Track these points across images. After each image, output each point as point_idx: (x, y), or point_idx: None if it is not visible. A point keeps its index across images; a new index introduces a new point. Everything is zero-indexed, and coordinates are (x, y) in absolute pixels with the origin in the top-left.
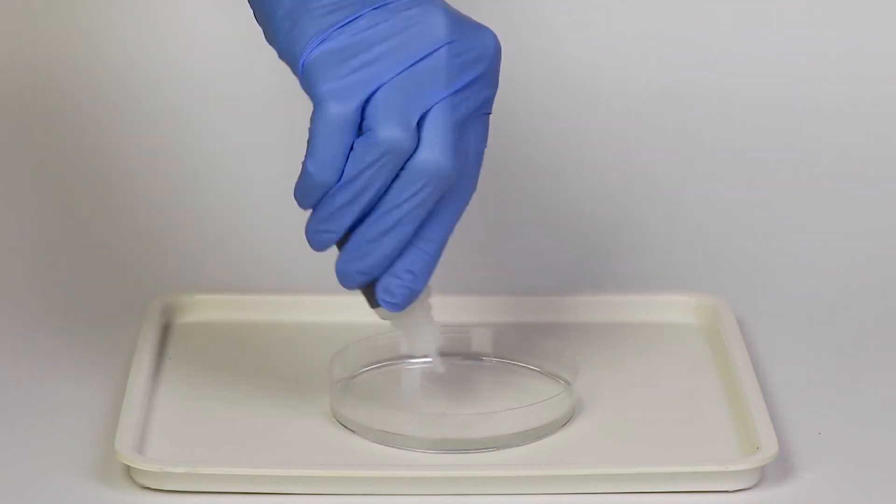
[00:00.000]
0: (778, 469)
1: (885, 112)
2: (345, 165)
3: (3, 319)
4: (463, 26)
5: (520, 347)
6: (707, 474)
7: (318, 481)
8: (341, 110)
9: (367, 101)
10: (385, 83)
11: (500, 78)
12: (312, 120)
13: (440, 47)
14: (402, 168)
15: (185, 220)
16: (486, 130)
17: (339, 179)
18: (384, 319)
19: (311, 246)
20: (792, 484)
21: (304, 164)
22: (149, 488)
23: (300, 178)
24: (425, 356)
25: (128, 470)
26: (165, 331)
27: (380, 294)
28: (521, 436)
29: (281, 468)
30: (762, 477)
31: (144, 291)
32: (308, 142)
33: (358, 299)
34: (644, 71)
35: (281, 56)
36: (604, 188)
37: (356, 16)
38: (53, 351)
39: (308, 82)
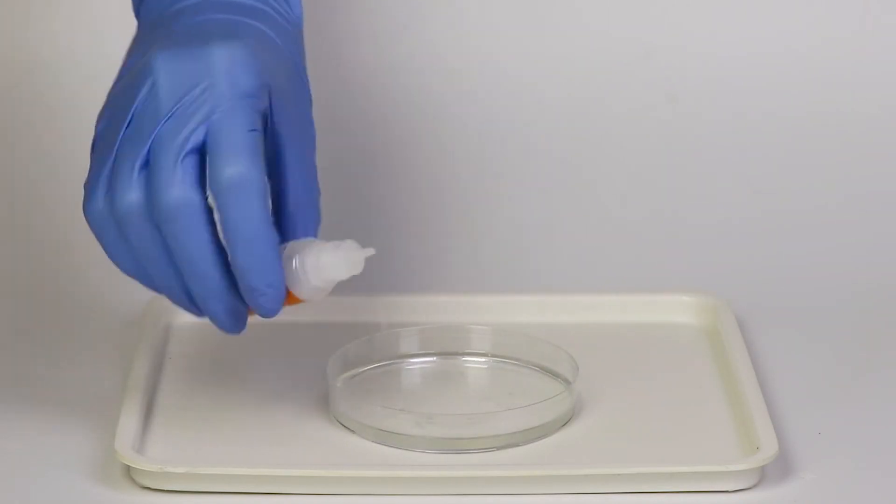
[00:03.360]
0: (778, 469)
1: (886, 112)
2: (126, 246)
3: (2, 319)
4: (180, 54)
5: (520, 347)
6: (707, 474)
7: (318, 481)
8: (91, 206)
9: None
10: (115, 151)
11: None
12: None
13: (149, 82)
14: None
15: None
16: (242, 121)
17: (131, 257)
18: (314, 299)
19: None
20: (792, 484)
21: None
22: (149, 488)
23: None
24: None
25: (128, 470)
26: (165, 331)
27: (260, 315)
28: (521, 436)
29: (281, 468)
30: (762, 477)
31: (144, 291)
32: None
33: (358, 300)
34: (644, 71)
35: None
36: (604, 188)
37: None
38: (54, 351)
39: None
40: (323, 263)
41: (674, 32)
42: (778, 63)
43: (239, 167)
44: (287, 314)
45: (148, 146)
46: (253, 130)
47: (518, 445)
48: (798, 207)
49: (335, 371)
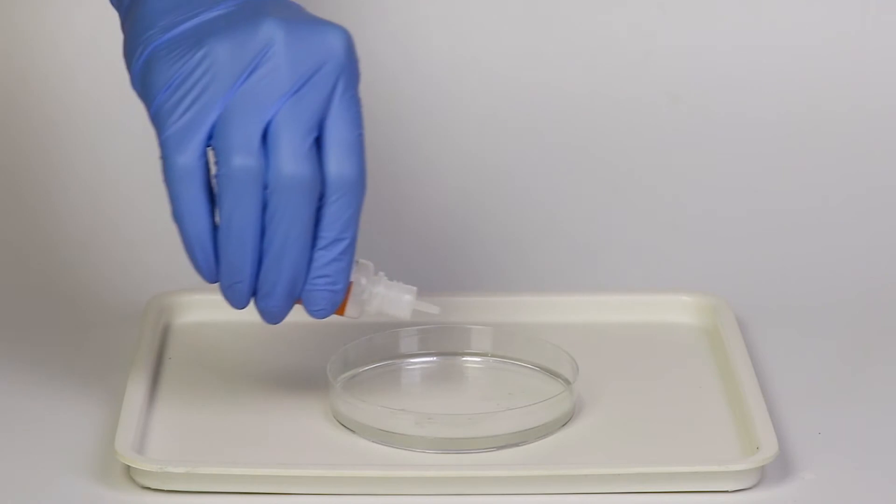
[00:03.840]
0: (778, 469)
1: (886, 112)
2: (209, 208)
3: (2, 320)
4: (300, 27)
5: (520, 347)
6: (707, 474)
7: (318, 481)
8: (182, 159)
9: (212, 133)
10: (223, 109)
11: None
12: (162, 171)
13: (271, 51)
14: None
15: None
16: (355, 119)
17: (208, 224)
18: (355, 318)
19: (232, 304)
20: (792, 484)
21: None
22: (149, 488)
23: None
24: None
25: (128, 470)
26: (165, 331)
27: (305, 306)
28: (521, 436)
29: (281, 468)
30: (762, 477)
31: (144, 292)
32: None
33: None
34: (645, 71)
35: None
36: (604, 188)
37: (195, 50)
38: (53, 351)
39: (156, 133)
40: (392, 299)
41: (674, 32)
42: (778, 63)
43: (354, 169)
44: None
45: (271, 116)
46: (361, 132)
47: (518, 445)
48: (798, 207)
49: (335, 371)
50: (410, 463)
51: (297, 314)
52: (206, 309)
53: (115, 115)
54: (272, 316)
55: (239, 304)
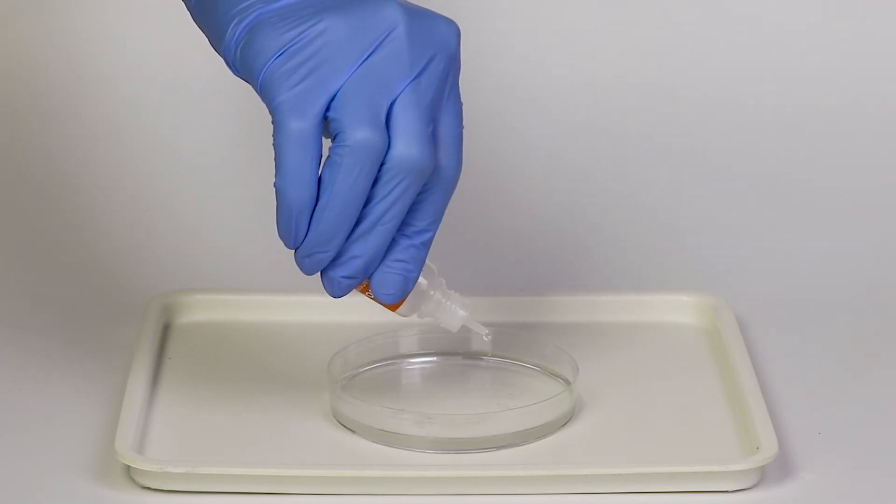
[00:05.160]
0: (778, 469)
1: (885, 113)
2: (317, 178)
3: (2, 320)
4: (418, 15)
5: (520, 347)
6: (707, 474)
7: (318, 481)
8: (300, 124)
9: (329, 104)
10: (344, 83)
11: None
12: (274, 135)
13: (394, 33)
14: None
15: (185, 220)
16: (459, 113)
17: (313, 193)
18: (406, 316)
19: (303, 271)
20: (792, 484)
21: (275, 184)
22: (149, 488)
23: (277, 202)
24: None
25: (128, 470)
26: (165, 331)
27: (374, 288)
28: (521, 436)
29: (281, 468)
30: (762, 477)
31: (144, 291)
32: (274, 159)
33: (358, 299)
34: (644, 71)
35: (233, 69)
36: (604, 188)
37: (313, 22)
38: (53, 351)
39: (265, 96)
40: (447, 308)
41: (674, 32)
42: (777, 63)
43: (456, 164)
44: (287, 314)
45: (395, 97)
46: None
47: (518, 445)
48: (798, 207)
49: (335, 371)
50: (410, 463)
51: (297, 314)
52: (206, 309)
53: (115, 116)
54: (340, 287)
55: (311, 273)
